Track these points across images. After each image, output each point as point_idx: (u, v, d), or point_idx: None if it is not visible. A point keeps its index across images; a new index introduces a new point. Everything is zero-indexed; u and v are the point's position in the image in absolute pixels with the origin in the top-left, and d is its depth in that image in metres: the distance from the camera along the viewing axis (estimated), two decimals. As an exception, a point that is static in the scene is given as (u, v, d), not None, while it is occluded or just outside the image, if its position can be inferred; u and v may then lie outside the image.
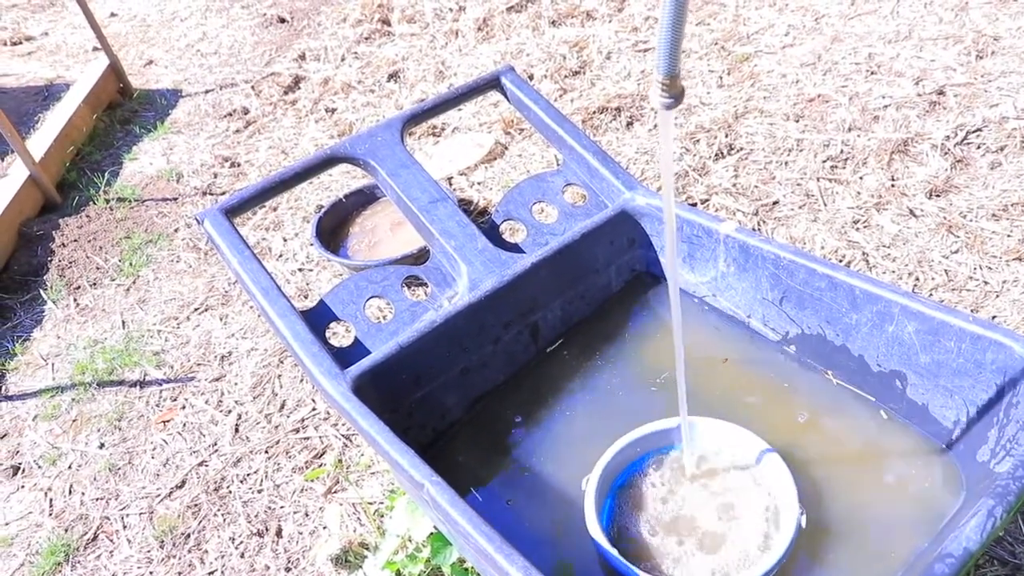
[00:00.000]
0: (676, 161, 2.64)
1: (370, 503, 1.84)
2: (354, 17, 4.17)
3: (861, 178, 2.46)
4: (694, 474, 1.38)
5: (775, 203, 2.41)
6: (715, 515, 1.32)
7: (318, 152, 1.68)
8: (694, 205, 2.44)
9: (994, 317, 2.02)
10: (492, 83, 1.83)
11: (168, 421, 2.19)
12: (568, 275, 1.59)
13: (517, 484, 1.41)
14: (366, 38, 3.95)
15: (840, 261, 2.21)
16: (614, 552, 1.22)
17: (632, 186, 1.64)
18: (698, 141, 2.69)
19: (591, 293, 1.66)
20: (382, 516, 1.79)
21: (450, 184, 2.75)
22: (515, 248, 1.60)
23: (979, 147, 2.54)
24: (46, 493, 2.08)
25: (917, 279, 2.15)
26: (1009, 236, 2.21)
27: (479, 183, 2.76)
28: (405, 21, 3.97)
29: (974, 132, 2.59)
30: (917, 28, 3.13)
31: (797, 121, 2.72)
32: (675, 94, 0.91)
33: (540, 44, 3.42)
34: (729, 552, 1.26)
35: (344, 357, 1.42)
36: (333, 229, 2.60)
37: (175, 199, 3.14)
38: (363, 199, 2.65)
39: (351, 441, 2.02)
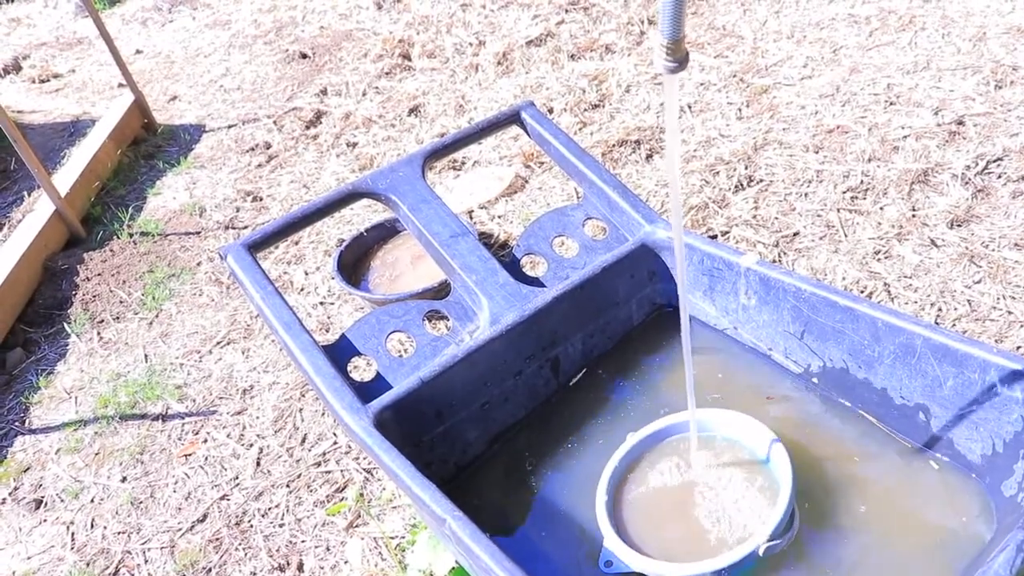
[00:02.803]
0: (696, 194, 2.64)
1: (392, 538, 1.83)
2: (375, 52, 4.23)
3: (882, 208, 2.45)
4: (700, 460, 1.41)
5: (795, 234, 2.41)
6: (719, 497, 1.35)
7: (340, 187, 1.70)
8: (714, 237, 2.43)
9: (1019, 347, 2.00)
10: (512, 118, 1.85)
11: (190, 455, 2.20)
12: (589, 309, 1.59)
13: (538, 519, 1.40)
14: (387, 73, 3.99)
15: (862, 292, 2.19)
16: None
17: (652, 219, 1.65)
18: (718, 173, 2.69)
19: (612, 327, 1.66)
20: (404, 551, 1.79)
21: (471, 218, 2.77)
22: (536, 282, 1.61)
23: (1000, 176, 2.52)
24: (68, 527, 2.09)
25: (940, 309, 2.14)
26: (1033, 266, 2.20)
27: (500, 217, 2.77)
28: (425, 56, 4.02)
29: (995, 162, 2.58)
30: (935, 59, 3.13)
31: (817, 152, 2.71)
32: (679, 58, 0.91)
33: (559, 78, 3.45)
34: (731, 530, 1.30)
35: (366, 392, 1.42)
36: (354, 263, 2.61)
37: (198, 233, 3.17)
38: (384, 233, 2.67)
39: (372, 475, 2.01)
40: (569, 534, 1.37)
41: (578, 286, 1.56)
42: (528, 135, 1.85)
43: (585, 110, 3.18)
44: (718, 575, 1.23)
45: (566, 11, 4.00)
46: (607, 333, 1.65)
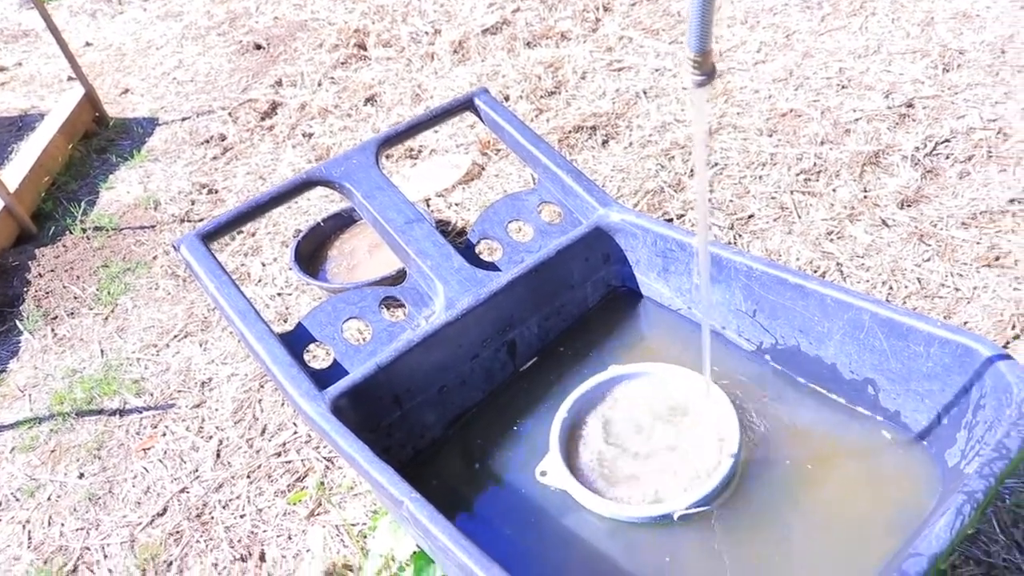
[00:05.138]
0: (652, 178, 2.66)
1: (353, 524, 1.83)
2: (330, 42, 4.20)
3: (834, 190, 2.49)
4: (654, 409, 1.47)
5: (751, 216, 2.44)
6: (672, 443, 1.42)
7: (294, 176, 1.69)
8: (670, 220, 2.46)
9: (966, 323, 2.05)
10: (466, 105, 1.85)
11: (148, 449, 2.18)
12: (544, 292, 1.60)
13: (498, 500, 1.41)
14: (342, 63, 3.97)
15: (815, 272, 2.23)
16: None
17: (606, 203, 1.66)
18: (673, 158, 2.71)
19: (568, 309, 1.67)
20: (365, 537, 1.79)
21: (428, 205, 2.77)
22: (491, 266, 1.61)
23: (948, 157, 2.57)
24: (24, 525, 2.06)
25: (891, 287, 2.18)
26: (978, 243, 2.24)
27: (457, 204, 2.77)
28: (381, 45, 4.00)
29: (943, 143, 2.63)
30: (885, 43, 3.18)
31: (771, 136, 2.75)
32: (707, 71, 0.91)
33: (516, 65, 3.45)
34: (673, 480, 1.36)
35: (323, 379, 1.42)
36: (312, 253, 2.60)
37: (153, 227, 3.14)
38: (341, 222, 2.66)
39: (333, 463, 2.01)
40: (528, 512, 1.38)
41: (533, 269, 1.57)
42: (483, 121, 1.86)
43: (541, 97, 3.19)
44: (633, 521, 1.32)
45: (522, -1, 4.01)
46: (563, 315, 1.66)
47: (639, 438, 1.43)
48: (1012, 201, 2.37)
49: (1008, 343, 2.00)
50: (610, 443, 1.43)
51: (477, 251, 1.65)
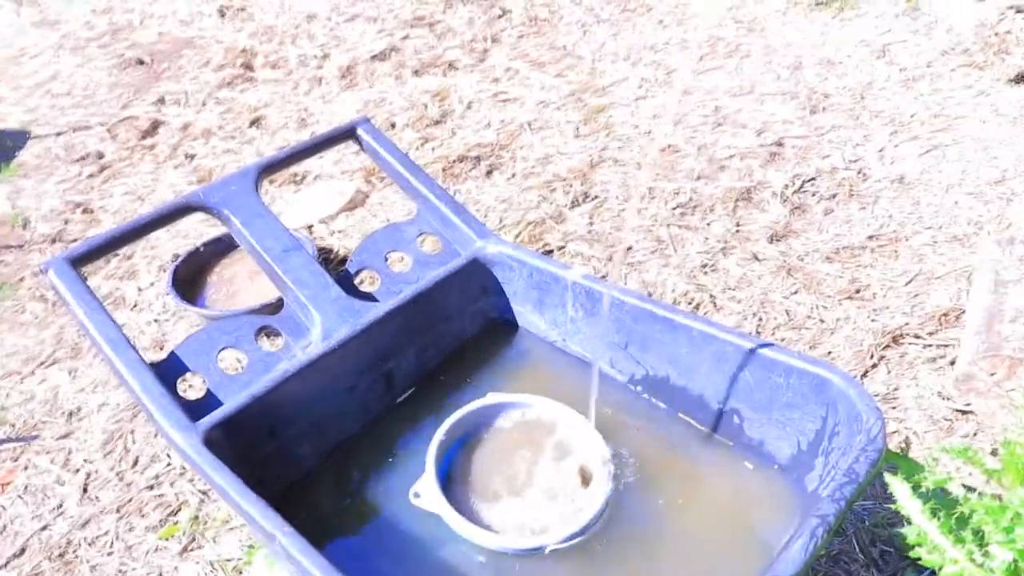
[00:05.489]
0: (533, 209, 2.72)
1: (228, 560, 1.79)
2: (216, 61, 4.13)
3: (708, 224, 2.60)
4: (529, 439, 1.51)
5: (628, 249, 2.52)
6: (546, 473, 1.45)
7: (171, 200, 1.66)
8: (550, 252, 2.51)
9: (829, 352, 2.16)
10: (348, 134, 1.85)
11: (8, 484, 2.08)
12: (421, 323, 1.62)
13: (373, 530, 1.41)
14: (228, 83, 3.91)
15: (690, 303, 2.32)
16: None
17: (484, 235, 1.69)
18: (555, 190, 2.78)
19: (445, 340, 1.69)
20: (240, 572, 1.76)
21: (310, 232, 2.75)
22: (370, 297, 1.62)
23: (814, 195, 2.72)
24: None
25: (760, 319, 2.28)
26: (841, 277, 2.38)
27: (340, 231, 2.76)
28: (268, 67, 3.95)
29: (809, 181, 2.78)
30: (758, 84, 3.34)
31: (650, 170, 2.85)
32: None
33: (403, 93, 3.47)
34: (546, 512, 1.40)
35: (196, 409, 1.39)
36: (191, 278, 2.54)
37: (20, 246, 3.01)
38: (222, 248, 2.61)
39: (208, 497, 1.97)
40: (403, 543, 1.39)
41: (411, 300, 1.58)
42: (364, 151, 1.87)
43: (427, 126, 3.21)
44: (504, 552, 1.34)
45: (411, 26, 4.04)
46: (440, 346, 1.68)
47: (513, 467, 1.46)
48: (871, 237, 2.53)
49: (867, 371, 2.13)
50: (484, 470, 1.45)
51: (356, 281, 1.66)
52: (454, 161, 2.96)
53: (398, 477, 1.48)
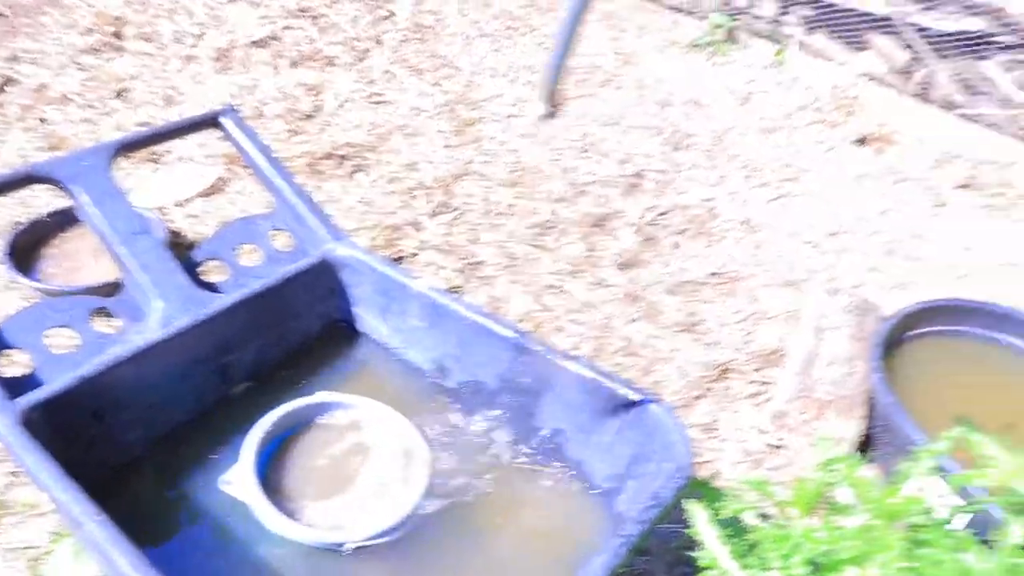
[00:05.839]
0: (393, 214, 2.75)
1: (28, 548, 1.73)
2: (84, 24, 3.95)
3: (561, 247, 2.70)
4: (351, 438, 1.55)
5: (480, 263, 2.58)
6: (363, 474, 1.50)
7: (16, 168, 1.61)
8: (402, 259, 2.55)
9: (660, 381, 2.29)
10: (211, 121, 1.84)
11: None
12: (265, 319, 1.63)
13: (191, 522, 1.42)
14: (95, 49, 3.75)
15: (533, 323, 2.40)
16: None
17: (337, 237, 1.72)
18: (416, 197, 2.82)
19: (287, 338, 1.70)
20: (37, 561, 1.70)
21: (163, 214, 2.68)
22: (216, 288, 1.62)
23: (665, 228, 2.86)
24: None
25: (600, 343, 2.38)
26: (680, 310, 2.52)
27: (194, 216, 2.71)
28: (140, 39, 3.82)
29: (663, 214, 2.92)
30: (627, 116, 3.48)
31: (512, 187, 2.93)
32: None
33: (277, 83, 3.43)
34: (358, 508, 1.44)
35: (17, 387, 1.36)
36: (29, 249, 2.44)
37: None
38: (66, 219, 2.51)
39: (17, 478, 1.89)
40: (226, 535, 1.40)
41: (257, 295, 1.59)
42: (228, 139, 1.86)
43: (298, 119, 3.19)
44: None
45: (295, 16, 3.98)
46: (282, 345, 1.70)
47: (331, 465, 1.49)
48: (712, 274, 2.68)
49: (693, 401, 2.26)
50: (302, 465, 1.48)
51: (204, 271, 1.65)
52: (320, 158, 2.96)
53: (220, 470, 1.48)
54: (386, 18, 3.98)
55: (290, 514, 1.40)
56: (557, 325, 2.41)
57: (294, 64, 3.59)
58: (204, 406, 1.60)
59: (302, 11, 4.00)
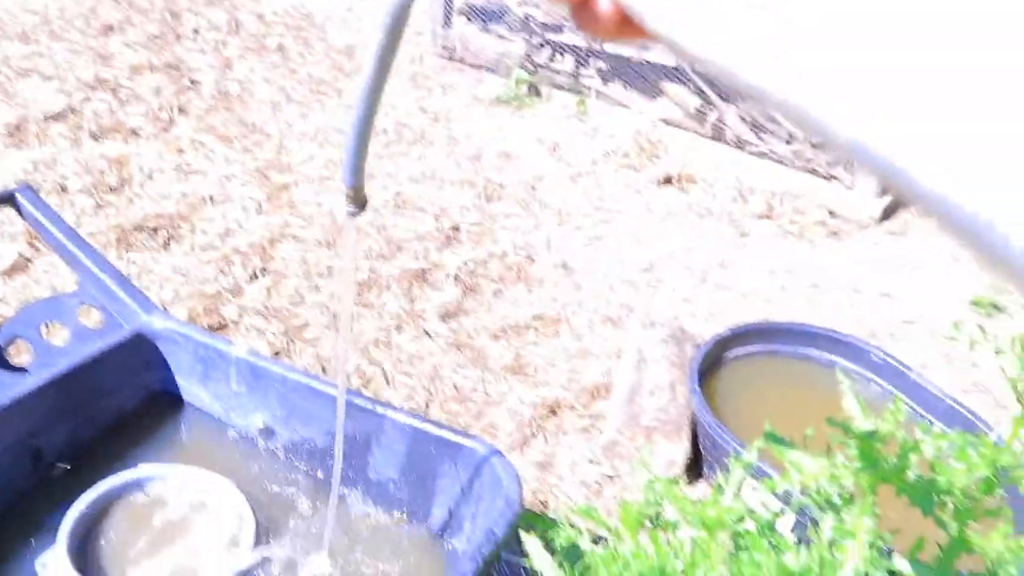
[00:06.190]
0: (211, 282, 2.72)
1: None
2: None
3: (384, 302, 2.75)
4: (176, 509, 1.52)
5: (305, 325, 2.59)
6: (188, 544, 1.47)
7: None
8: (224, 327, 2.53)
9: (492, 423, 2.36)
10: (6, 199, 1.79)
11: None
12: (77, 398, 1.59)
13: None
14: None
15: (362, 378, 2.43)
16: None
17: (149, 309, 1.70)
18: (233, 264, 2.80)
19: (102, 415, 1.66)
20: None
21: (-39, 299, 2.54)
22: (21, 370, 1.57)
23: (485, 277, 2.97)
24: None
25: (431, 392, 2.44)
26: (505, 354, 2.61)
27: (-5, 299, 2.59)
28: (-81, 118, 3.61)
29: (481, 264, 3.03)
30: (440, 171, 3.60)
31: (329, 248, 2.96)
32: (360, 203, 0.98)
33: (78, 157, 3.32)
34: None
35: None
36: None
37: None
38: None
39: None
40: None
41: (66, 375, 1.55)
42: (23, 219, 1.81)
43: (103, 192, 3.11)
44: None
45: (92, 88, 3.88)
46: (97, 422, 1.65)
47: (154, 537, 1.47)
48: (535, 317, 2.80)
49: (525, 441, 2.35)
50: (123, 541, 1.45)
51: (7, 353, 1.60)
52: (131, 230, 2.89)
53: (37, 554, 1.43)
54: (189, 88, 3.94)
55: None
56: (387, 379, 2.45)
57: (95, 137, 3.50)
58: (17, 492, 1.53)
59: (100, 82, 3.91)
